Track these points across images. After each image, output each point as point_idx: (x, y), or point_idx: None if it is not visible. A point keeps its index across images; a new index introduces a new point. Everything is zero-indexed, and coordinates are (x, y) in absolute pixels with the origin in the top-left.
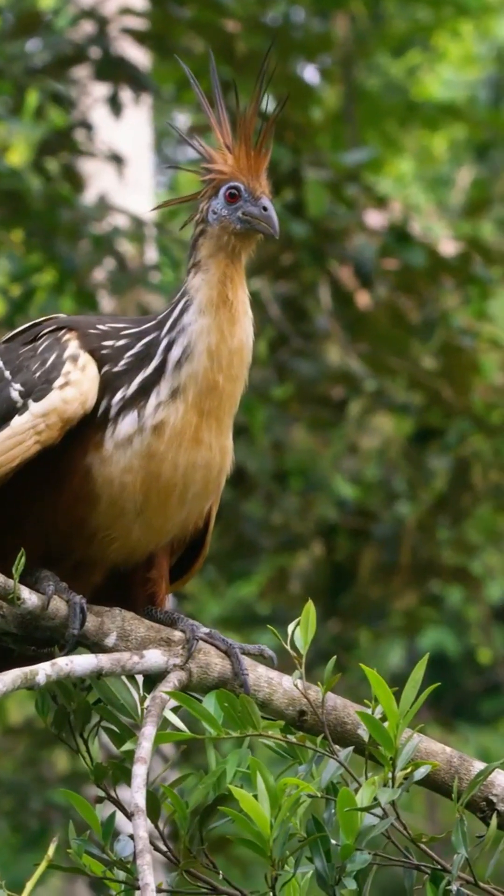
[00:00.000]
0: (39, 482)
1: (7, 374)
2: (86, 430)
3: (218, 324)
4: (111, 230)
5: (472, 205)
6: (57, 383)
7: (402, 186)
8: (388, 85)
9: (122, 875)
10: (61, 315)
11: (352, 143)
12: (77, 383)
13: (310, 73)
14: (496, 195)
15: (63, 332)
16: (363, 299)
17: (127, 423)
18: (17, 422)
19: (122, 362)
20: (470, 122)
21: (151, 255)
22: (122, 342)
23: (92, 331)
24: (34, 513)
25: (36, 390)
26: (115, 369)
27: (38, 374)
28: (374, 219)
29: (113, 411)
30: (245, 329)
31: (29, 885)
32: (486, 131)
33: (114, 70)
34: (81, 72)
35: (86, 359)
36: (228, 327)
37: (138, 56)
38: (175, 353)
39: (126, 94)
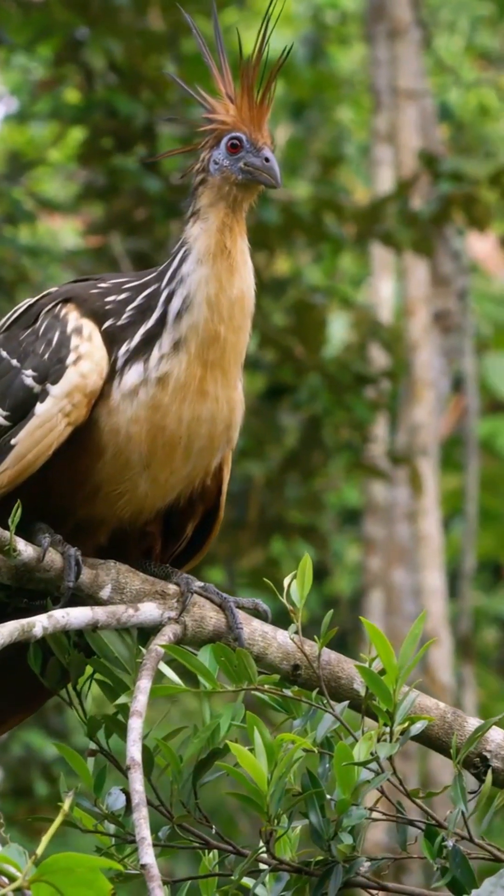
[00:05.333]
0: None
1: (14, 362)
2: None
3: (216, 273)
4: None
5: (324, 162)
6: (69, 360)
7: None
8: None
9: (112, 828)
10: (53, 289)
11: (178, 100)
12: (89, 355)
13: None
14: (312, 154)
15: (59, 306)
16: None
17: (133, 374)
18: (42, 409)
19: (125, 316)
20: (293, 80)
21: None
22: (123, 296)
23: (93, 291)
24: (36, 469)
25: (51, 373)
26: (119, 323)
27: (47, 356)
28: None
29: (119, 363)
30: (245, 279)
31: (44, 840)
32: (307, 90)
33: None
34: None
35: (90, 327)
36: (227, 277)
37: None
38: (175, 304)
39: None
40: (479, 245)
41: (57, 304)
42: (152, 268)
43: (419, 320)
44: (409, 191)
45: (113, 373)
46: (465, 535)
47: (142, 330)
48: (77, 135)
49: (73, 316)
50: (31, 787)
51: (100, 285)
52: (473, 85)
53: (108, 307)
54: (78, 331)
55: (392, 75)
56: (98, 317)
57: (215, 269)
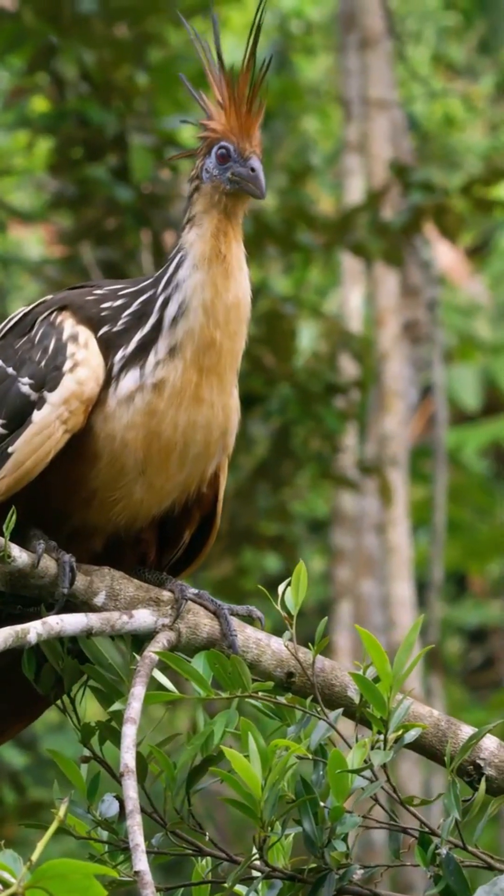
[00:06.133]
0: None
1: (10, 370)
2: None
3: (212, 278)
4: None
5: (294, 172)
6: (66, 367)
7: None
8: (177, 54)
9: (105, 835)
10: (49, 297)
11: (141, 111)
12: (85, 362)
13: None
14: (277, 164)
15: (55, 314)
16: None
17: (129, 380)
18: (40, 416)
19: (121, 322)
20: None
21: None
22: (119, 302)
23: (88, 298)
24: (34, 477)
25: (48, 380)
26: (115, 329)
27: (43, 364)
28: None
29: (115, 369)
30: (240, 284)
31: (39, 846)
32: (272, 99)
33: None
34: None
35: (86, 334)
36: (223, 282)
37: None
38: (171, 309)
39: None
40: (444, 255)
41: (52, 312)
42: (148, 274)
43: (389, 331)
44: (379, 201)
45: (109, 379)
46: (434, 545)
47: (137, 336)
48: (46, 144)
49: (68, 323)
50: None
51: (95, 292)
52: (440, 95)
53: (103, 314)
54: (74, 338)
55: (363, 85)
56: (94, 323)
57: (211, 274)
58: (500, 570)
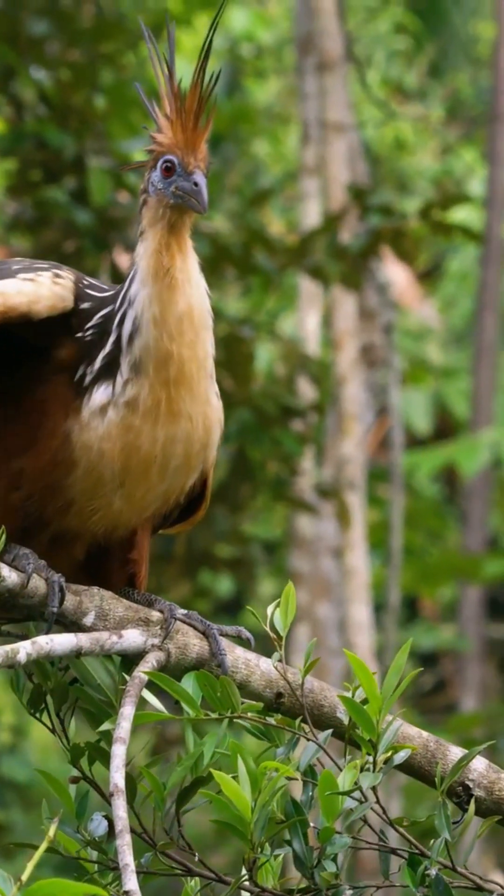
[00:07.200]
0: (17, 444)
1: None
2: (67, 392)
3: (158, 292)
4: None
5: (251, 197)
6: (22, 276)
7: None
8: (130, 78)
9: (94, 855)
10: None
11: (100, 133)
12: (40, 284)
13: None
14: (228, 187)
15: (64, 268)
16: None
17: (100, 394)
18: None
19: (89, 333)
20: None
21: None
22: (86, 304)
23: (79, 284)
24: (10, 477)
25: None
26: (86, 339)
27: (14, 268)
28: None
29: (87, 380)
30: (188, 295)
31: (29, 866)
32: (223, 123)
33: None
34: None
35: (68, 283)
36: (169, 295)
37: None
38: (126, 326)
39: None
40: (395, 279)
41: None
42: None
43: (347, 354)
44: (338, 224)
45: (82, 389)
46: (391, 569)
47: (101, 354)
48: (4, 166)
49: (67, 272)
50: None
51: (83, 281)
52: (393, 119)
53: (81, 312)
54: (58, 275)
55: (320, 108)
56: (76, 300)
57: (156, 288)
58: (452, 593)
